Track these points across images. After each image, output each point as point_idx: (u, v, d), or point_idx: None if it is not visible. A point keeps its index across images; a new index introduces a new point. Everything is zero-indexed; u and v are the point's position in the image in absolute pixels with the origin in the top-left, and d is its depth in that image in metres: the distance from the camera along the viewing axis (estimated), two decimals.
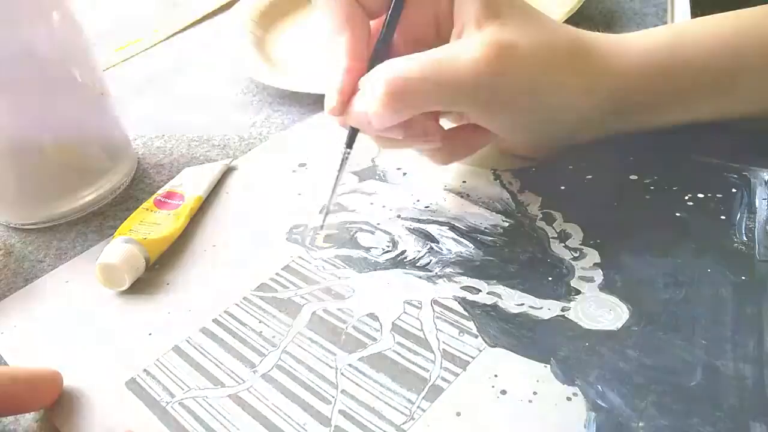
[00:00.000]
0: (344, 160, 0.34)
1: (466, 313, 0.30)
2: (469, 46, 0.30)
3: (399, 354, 0.29)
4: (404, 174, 0.39)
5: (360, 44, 0.32)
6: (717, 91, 0.34)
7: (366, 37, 0.33)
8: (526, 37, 0.30)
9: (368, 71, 0.31)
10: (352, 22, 0.32)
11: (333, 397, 0.27)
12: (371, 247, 0.34)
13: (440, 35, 0.33)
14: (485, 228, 0.34)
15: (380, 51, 0.33)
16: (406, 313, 0.30)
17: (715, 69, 0.33)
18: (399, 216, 0.36)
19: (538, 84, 0.31)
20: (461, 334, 0.29)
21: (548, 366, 0.27)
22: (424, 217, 0.35)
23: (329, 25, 0.32)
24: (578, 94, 0.32)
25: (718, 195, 0.33)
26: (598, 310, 0.29)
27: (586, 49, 0.33)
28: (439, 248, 0.33)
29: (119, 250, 0.34)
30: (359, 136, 0.33)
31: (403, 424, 0.26)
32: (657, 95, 0.34)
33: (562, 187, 0.35)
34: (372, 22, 0.33)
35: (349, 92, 0.32)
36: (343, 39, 0.32)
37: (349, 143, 0.34)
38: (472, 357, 0.28)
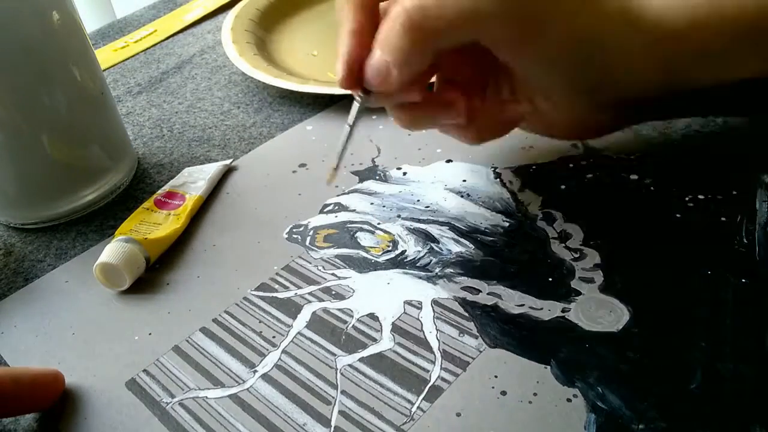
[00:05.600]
0: (359, 109, 0.30)
1: (466, 314, 0.30)
2: None
3: (399, 354, 0.29)
4: (404, 174, 0.39)
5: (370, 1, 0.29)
6: None
7: None
8: None
9: None
10: None
11: (333, 397, 0.27)
12: (371, 247, 0.34)
13: None
14: (485, 228, 0.34)
15: None
16: (406, 313, 0.30)
17: None
18: (399, 216, 0.36)
19: (564, 4, 0.28)
20: (461, 334, 0.29)
21: (548, 367, 0.27)
22: (424, 217, 0.35)
23: None
24: (618, 25, 0.29)
25: (718, 196, 0.33)
26: (599, 312, 0.29)
27: None
28: (440, 248, 0.33)
29: (119, 249, 0.34)
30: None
31: (403, 424, 0.26)
32: (712, 42, 0.29)
33: (562, 187, 0.35)
34: None
35: (360, 55, 0.29)
36: None
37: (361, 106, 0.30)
38: (472, 357, 0.28)
